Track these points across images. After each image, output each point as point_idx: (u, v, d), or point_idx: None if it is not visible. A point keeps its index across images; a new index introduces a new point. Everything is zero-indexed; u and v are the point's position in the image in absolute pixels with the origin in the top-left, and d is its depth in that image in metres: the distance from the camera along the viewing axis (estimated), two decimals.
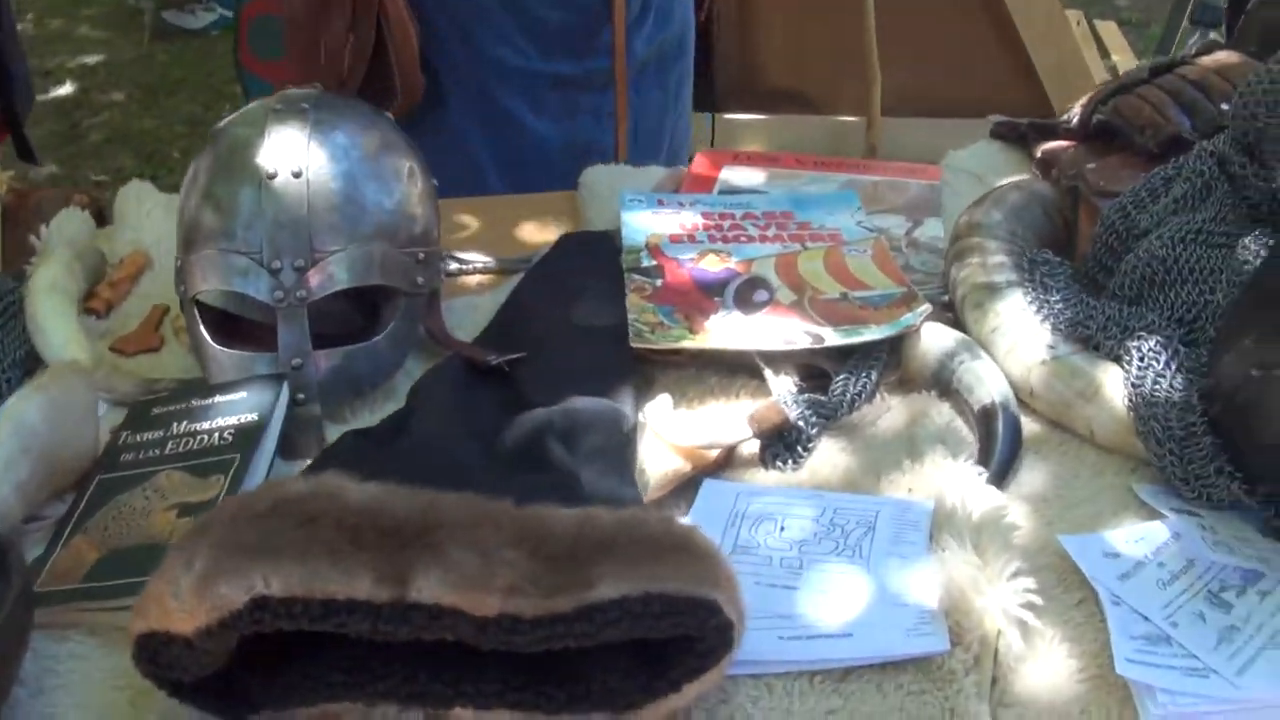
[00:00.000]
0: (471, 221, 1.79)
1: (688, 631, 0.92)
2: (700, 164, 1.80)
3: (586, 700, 0.94)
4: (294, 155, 1.36)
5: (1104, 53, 4.74)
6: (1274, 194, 1.37)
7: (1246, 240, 1.36)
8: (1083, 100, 1.70)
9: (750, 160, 1.82)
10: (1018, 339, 1.32)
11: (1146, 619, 1.06)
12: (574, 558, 0.92)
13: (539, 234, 1.71)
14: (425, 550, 0.92)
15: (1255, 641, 1.04)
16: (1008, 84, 3.99)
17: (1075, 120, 1.68)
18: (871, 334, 1.35)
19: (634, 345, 1.34)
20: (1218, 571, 1.12)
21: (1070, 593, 1.11)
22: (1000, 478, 1.21)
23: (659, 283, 1.45)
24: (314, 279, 1.34)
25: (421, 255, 1.41)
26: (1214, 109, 1.55)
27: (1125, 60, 4.72)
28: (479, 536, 0.93)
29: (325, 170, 1.36)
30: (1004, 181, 1.59)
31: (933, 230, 1.60)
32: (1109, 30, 4.98)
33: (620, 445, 1.18)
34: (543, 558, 0.92)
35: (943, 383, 1.32)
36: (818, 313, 1.38)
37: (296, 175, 1.35)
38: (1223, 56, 1.66)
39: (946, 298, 1.44)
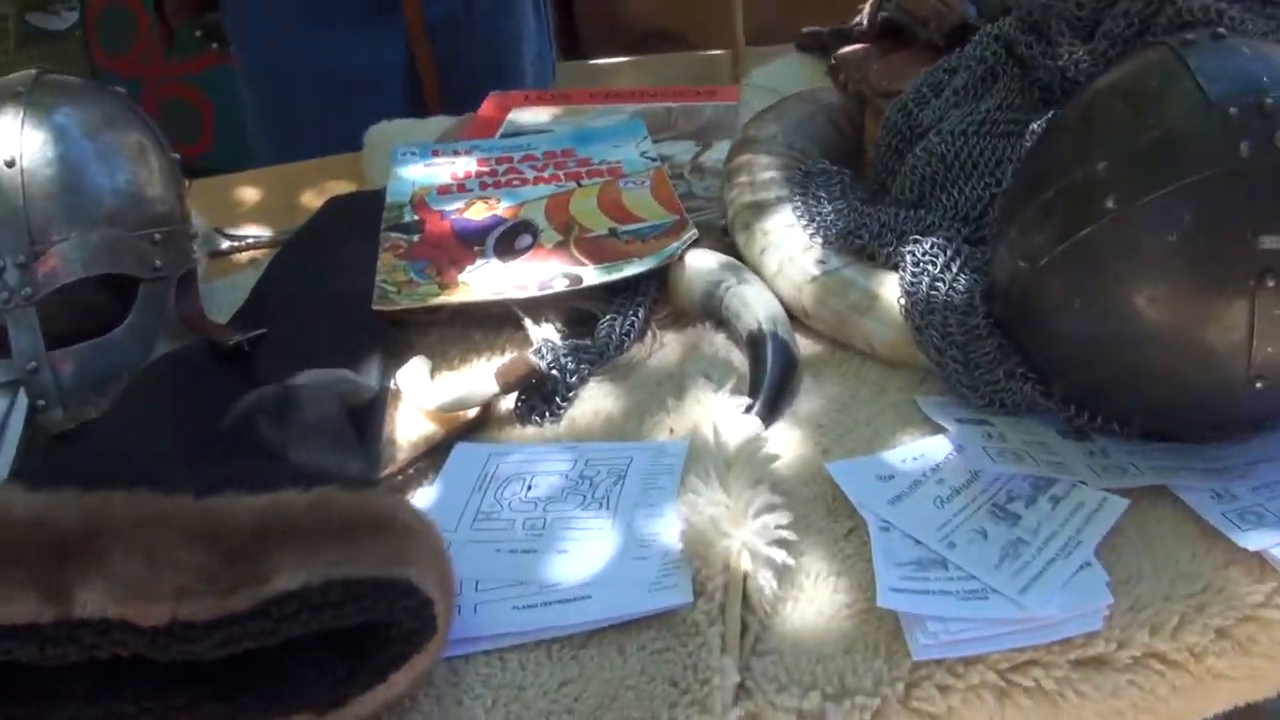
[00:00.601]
0: (251, 194, 1.69)
1: (377, 617, 0.83)
2: (487, 107, 1.71)
3: (282, 701, 0.85)
4: (6, 143, 1.25)
5: None
6: (1063, 73, 1.29)
7: (1035, 125, 1.27)
8: None
9: (541, 100, 1.72)
10: (786, 257, 1.23)
11: (919, 542, 0.98)
12: (254, 549, 0.83)
13: (322, 201, 1.61)
14: (89, 560, 0.83)
15: (1045, 554, 0.96)
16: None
17: (865, 21, 1.60)
18: (633, 268, 1.25)
19: (377, 308, 1.24)
20: (1005, 482, 1.04)
21: (840, 522, 1.02)
22: (771, 406, 1.13)
23: (416, 238, 1.35)
24: (39, 274, 1.24)
25: (158, 236, 1.31)
26: None
27: None
28: (148, 538, 0.84)
29: (40, 156, 1.26)
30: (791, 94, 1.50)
31: (721, 153, 1.51)
32: None
33: (343, 418, 1.08)
34: (221, 553, 0.83)
35: (713, 312, 1.23)
36: (582, 252, 1.29)
37: (10, 164, 1.24)
38: None
39: (724, 222, 1.35)
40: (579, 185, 1.42)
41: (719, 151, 1.51)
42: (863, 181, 1.38)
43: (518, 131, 1.62)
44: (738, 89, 1.70)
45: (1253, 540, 0.96)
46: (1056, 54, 1.28)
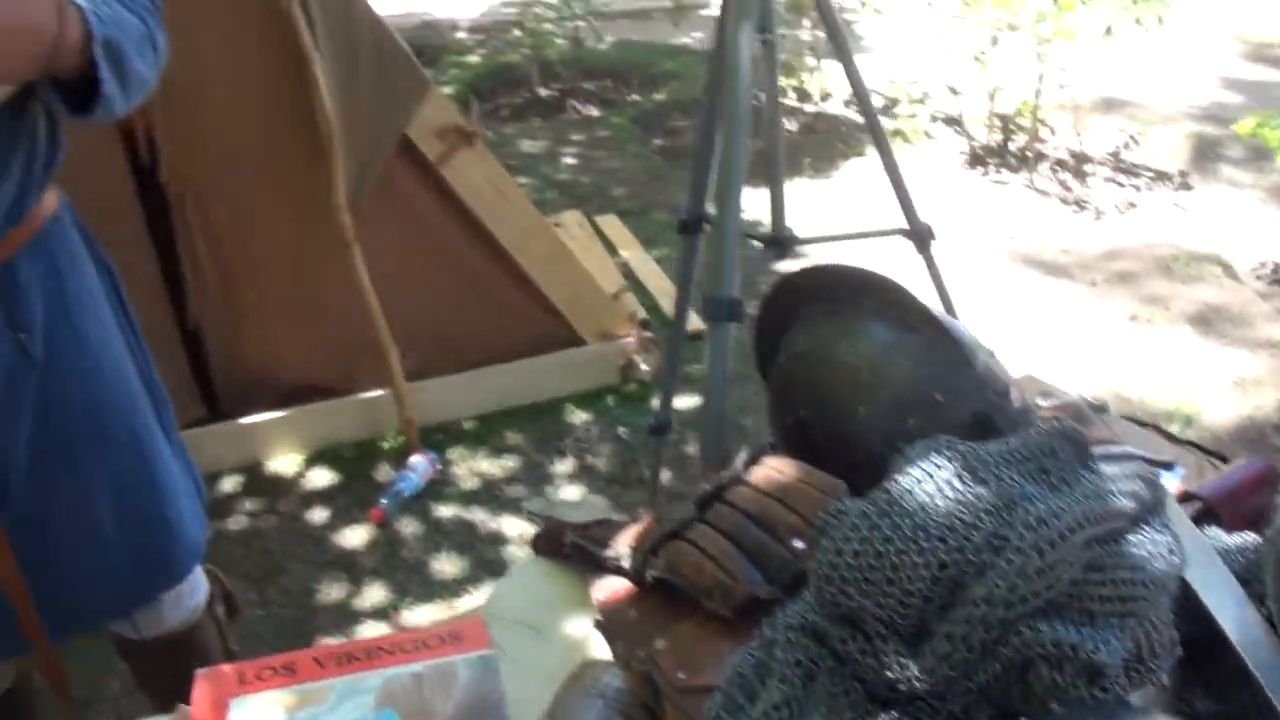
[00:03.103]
0: None
1: None
2: (200, 702, 1.44)
3: None
4: None
5: (611, 250, 4.67)
6: (892, 685, 1.13)
7: None
8: (629, 539, 1.44)
9: (260, 678, 1.46)
10: None
11: None
12: None
13: None
14: None
15: None
16: (528, 318, 3.83)
17: (626, 562, 1.42)
18: None
19: None
20: None
21: None
22: None
23: None
24: None
25: None
26: (786, 553, 1.32)
27: (635, 255, 4.66)
28: None
29: None
30: (563, 680, 1.28)
31: None
32: (611, 224, 4.91)
33: None
34: None
35: None
36: None
37: None
38: (775, 470, 1.44)
39: None
40: None
41: None
42: None
43: None
44: (484, 629, 1.49)
45: None
46: (882, 661, 1.14)
